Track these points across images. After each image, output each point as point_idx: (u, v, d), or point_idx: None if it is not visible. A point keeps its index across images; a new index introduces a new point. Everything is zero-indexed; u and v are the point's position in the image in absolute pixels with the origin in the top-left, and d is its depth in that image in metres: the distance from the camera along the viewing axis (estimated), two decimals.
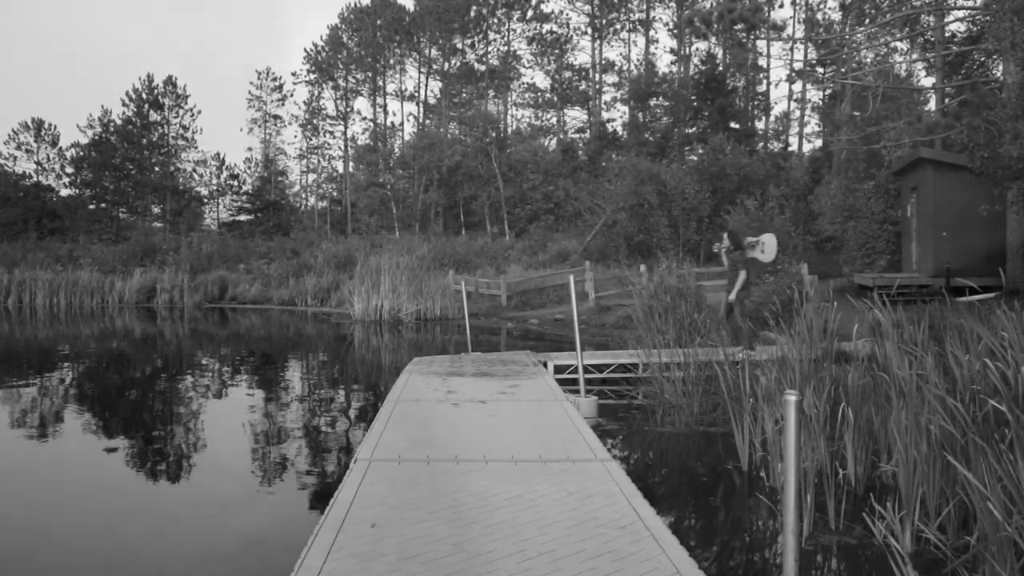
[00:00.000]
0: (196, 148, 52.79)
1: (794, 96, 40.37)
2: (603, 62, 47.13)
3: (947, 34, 24.27)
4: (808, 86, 39.41)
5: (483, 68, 48.67)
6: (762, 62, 41.44)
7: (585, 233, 29.86)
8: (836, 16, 35.07)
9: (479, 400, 7.31)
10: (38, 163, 48.74)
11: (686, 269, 10.38)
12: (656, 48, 52.70)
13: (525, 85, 49.61)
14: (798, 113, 40.30)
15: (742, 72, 40.37)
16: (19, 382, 11.60)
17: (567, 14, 59.21)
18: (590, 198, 31.26)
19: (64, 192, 48.43)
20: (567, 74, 47.89)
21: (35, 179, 47.59)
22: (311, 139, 53.18)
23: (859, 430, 5.42)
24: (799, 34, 37.98)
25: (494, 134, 40.09)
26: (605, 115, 46.70)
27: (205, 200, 53.27)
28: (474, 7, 47.78)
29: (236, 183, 53.17)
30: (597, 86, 47.07)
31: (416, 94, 50.93)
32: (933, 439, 4.41)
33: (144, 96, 50.33)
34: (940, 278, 14.97)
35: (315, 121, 52.44)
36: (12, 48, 76.93)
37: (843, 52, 24.67)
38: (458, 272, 25.86)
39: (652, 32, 46.31)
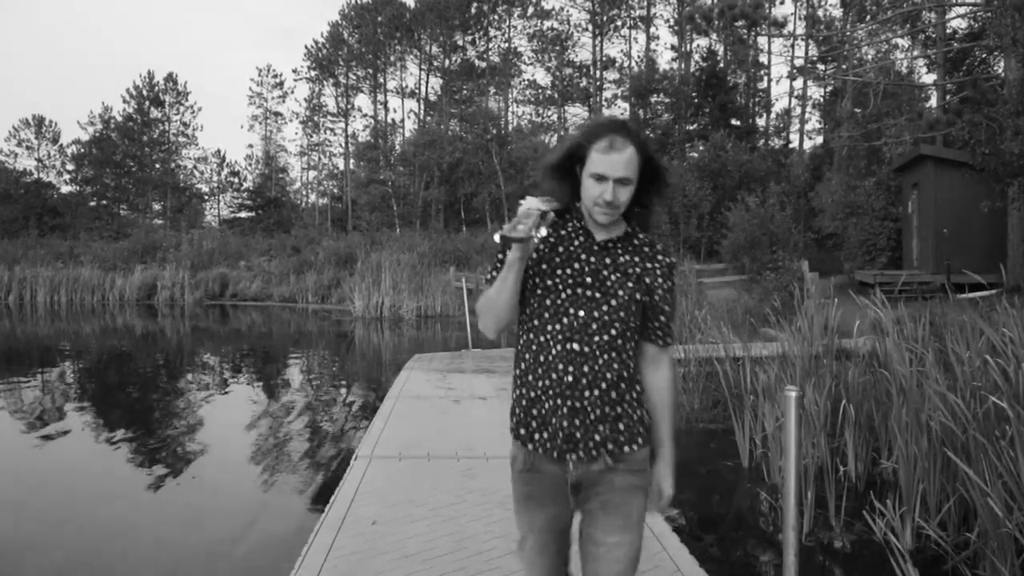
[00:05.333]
0: (197, 145, 52.86)
1: (795, 93, 40.34)
2: (604, 59, 47.06)
3: (948, 31, 24.23)
4: (809, 83, 39.35)
5: (484, 65, 48.60)
6: (763, 59, 41.38)
7: None
8: (837, 13, 34.96)
9: (480, 397, 7.32)
10: (39, 160, 48.75)
11: (687, 266, 10.39)
12: (657, 45, 52.68)
13: (526, 82, 49.54)
14: (799, 110, 40.26)
15: (743, 69, 40.28)
16: (21, 379, 11.61)
17: (568, 11, 59.10)
18: None
19: (65, 189, 48.49)
20: (568, 71, 47.79)
21: (36, 176, 47.58)
22: (312, 136, 53.15)
23: (860, 427, 5.42)
24: (800, 31, 37.89)
25: (495, 131, 39.99)
26: (606, 112, 46.65)
27: (206, 197, 53.29)
28: (475, 4, 47.72)
29: (237, 180, 53.18)
30: (598, 83, 47.01)
31: (417, 91, 50.88)
32: (934, 436, 4.41)
33: (145, 93, 50.32)
34: (941, 275, 14.96)
35: (316, 118, 52.41)
36: (13, 45, 76.83)
37: (844, 49, 24.62)
38: (459, 269, 25.84)
39: (653, 29, 46.25)
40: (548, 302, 1.86)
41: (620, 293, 1.86)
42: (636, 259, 1.93)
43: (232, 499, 5.63)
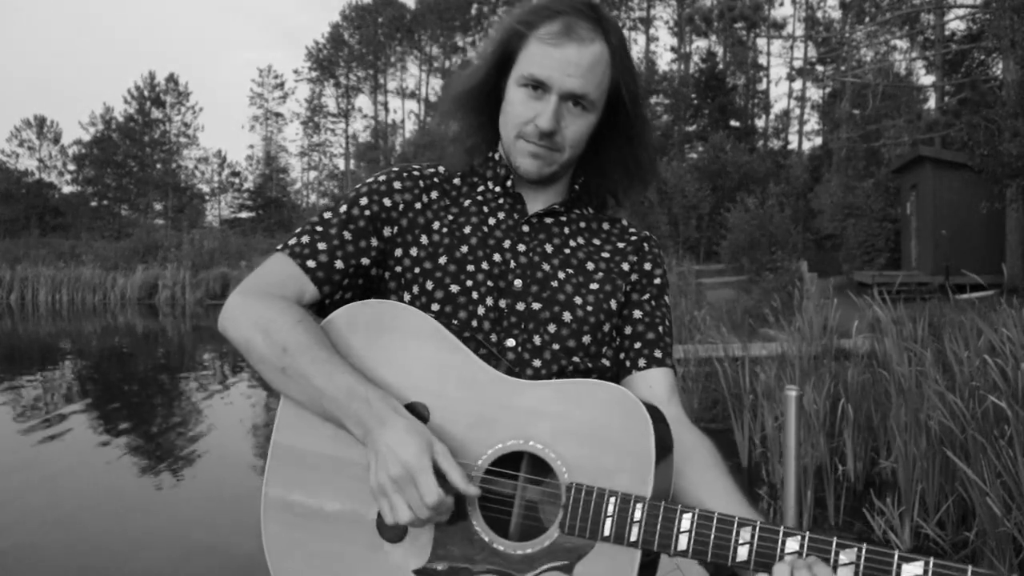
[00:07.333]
0: (198, 145, 52.96)
1: (794, 94, 40.42)
2: None
3: (947, 32, 24.30)
4: (808, 84, 39.42)
5: None
6: (762, 60, 41.45)
7: None
8: (836, 14, 35.08)
9: None
10: (40, 160, 48.83)
11: (686, 266, 10.42)
12: (656, 46, 52.74)
13: None
14: (798, 111, 40.36)
15: (742, 70, 40.34)
16: (22, 378, 11.63)
17: None
18: None
19: (66, 189, 48.64)
20: None
21: (37, 176, 47.70)
22: (312, 136, 53.30)
23: (859, 426, 5.45)
24: (799, 32, 37.96)
25: None
26: None
27: (207, 197, 53.37)
28: (475, 5, 47.85)
29: (238, 180, 53.28)
30: None
31: (417, 92, 51.02)
32: (932, 435, 4.44)
33: (146, 93, 50.40)
34: (939, 276, 15.00)
35: (316, 118, 52.55)
36: (14, 45, 76.98)
37: (843, 50, 24.69)
38: None
39: (652, 30, 46.32)
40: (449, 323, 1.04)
41: (577, 300, 1.09)
42: (596, 241, 1.18)
43: (234, 495, 5.65)
